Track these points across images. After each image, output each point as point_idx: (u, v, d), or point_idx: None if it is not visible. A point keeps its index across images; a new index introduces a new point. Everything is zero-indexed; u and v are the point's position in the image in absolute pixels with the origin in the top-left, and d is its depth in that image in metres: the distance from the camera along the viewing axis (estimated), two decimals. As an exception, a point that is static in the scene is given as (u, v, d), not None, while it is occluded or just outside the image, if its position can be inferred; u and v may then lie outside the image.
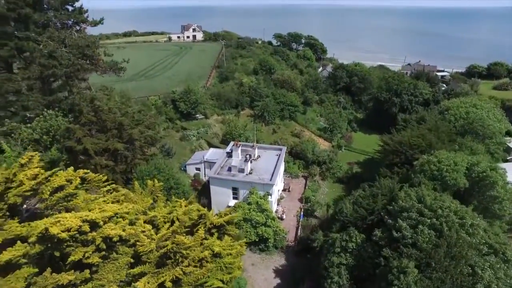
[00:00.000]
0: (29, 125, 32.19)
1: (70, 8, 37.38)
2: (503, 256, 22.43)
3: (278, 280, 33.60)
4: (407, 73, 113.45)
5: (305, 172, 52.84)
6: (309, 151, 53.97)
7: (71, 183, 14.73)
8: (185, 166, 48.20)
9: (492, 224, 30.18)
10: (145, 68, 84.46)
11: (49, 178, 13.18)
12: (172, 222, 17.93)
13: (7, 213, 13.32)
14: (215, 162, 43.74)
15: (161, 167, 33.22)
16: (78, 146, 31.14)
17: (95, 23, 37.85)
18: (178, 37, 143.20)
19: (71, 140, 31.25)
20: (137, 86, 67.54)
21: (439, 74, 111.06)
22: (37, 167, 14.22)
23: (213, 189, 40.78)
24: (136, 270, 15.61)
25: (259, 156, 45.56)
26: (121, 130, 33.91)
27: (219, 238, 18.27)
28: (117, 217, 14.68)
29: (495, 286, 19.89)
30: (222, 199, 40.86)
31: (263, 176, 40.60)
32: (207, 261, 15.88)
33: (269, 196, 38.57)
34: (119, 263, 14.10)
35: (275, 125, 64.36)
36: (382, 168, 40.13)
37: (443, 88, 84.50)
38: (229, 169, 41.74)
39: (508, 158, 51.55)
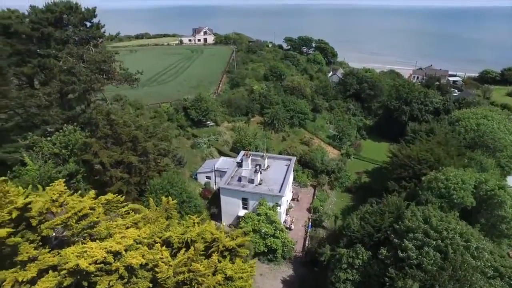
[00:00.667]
0: (49, 138, 33.75)
1: (88, 24, 38.85)
2: (508, 280, 22.79)
3: (285, 291, 34.48)
4: (418, 77, 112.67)
5: (314, 181, 53.38)
6: (318, 160, 54.44)
7: (94, 210, 15.87)
8: (196, 175, 49.25)
9: (500, 243, 30.42)
10: (158, 73, 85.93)
11: (77, 213, 14.31)
12: (187, 244, 18.94)
13: (40, 243, 14.56)
14: (225, 171, 44.70)
15: (173, 181, 34.30)
16: (95, 159, 32.57)
17: (111, 38, 39.23)
18: (190, 40, 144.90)
19: (88, 153, 32.69)
20: (149, 92, 69.13)
21: (451, 79, 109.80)
22: (65, 201, 15.42)
23: (223, 199, 41.79)
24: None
25: (268, 166, 46.34)
26: (136, 143, 35.24)
27: (231, 260, 19.19)
28: (137, 243, 15.78)
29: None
30: (232, 209, 41.86)
31: (272, 187, 41.41)
32: (219, 284, 16.85)
33: (278, 207, 39.37)
34: (138, 287, 15.19)
35: (284, 132, 64.94)
36: (390, 182, 40.47)
37: (454, 95, 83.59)
38: (239, 179, 42.65)
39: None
